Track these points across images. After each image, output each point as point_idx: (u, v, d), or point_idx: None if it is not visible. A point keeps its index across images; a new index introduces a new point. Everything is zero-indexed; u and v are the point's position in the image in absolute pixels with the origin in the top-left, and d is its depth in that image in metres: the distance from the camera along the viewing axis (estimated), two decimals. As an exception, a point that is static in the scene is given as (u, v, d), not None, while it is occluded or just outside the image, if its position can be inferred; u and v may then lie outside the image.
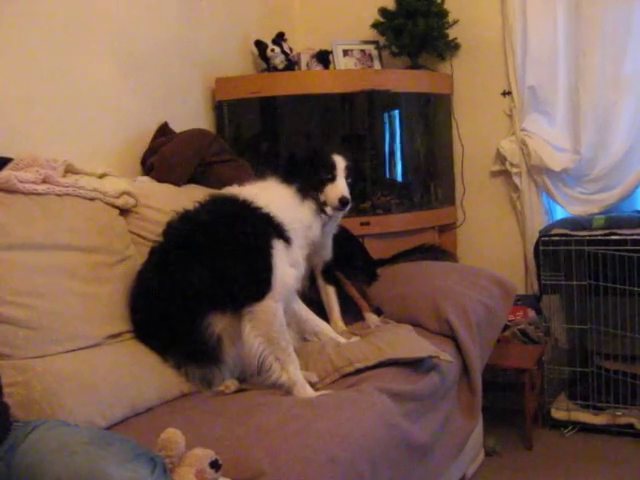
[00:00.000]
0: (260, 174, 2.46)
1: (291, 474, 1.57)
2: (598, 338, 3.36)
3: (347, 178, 2.40)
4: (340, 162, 2.41)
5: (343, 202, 2.36)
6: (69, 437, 1.40)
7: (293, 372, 2.10)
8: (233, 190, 2.35)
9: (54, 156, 2.35)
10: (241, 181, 2.42)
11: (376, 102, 3.57)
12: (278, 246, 2.20)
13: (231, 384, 2.13)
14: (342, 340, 2.45)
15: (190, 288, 2.14)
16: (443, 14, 3.75)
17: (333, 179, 2.39)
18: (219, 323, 2.15)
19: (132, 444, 1.42)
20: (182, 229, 2.27)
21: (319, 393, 2.08)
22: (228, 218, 2.24)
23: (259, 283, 2.14)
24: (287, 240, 2.24)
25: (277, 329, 2.12)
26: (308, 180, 2.35)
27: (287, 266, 2.22)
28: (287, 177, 2.35)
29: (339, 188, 2.37)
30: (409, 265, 3.13)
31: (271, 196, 2.29)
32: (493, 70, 3.83)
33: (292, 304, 2.38)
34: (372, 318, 2.73)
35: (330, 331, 2.50)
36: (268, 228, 2.22)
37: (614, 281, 3.17)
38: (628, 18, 3.46)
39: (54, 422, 1.50)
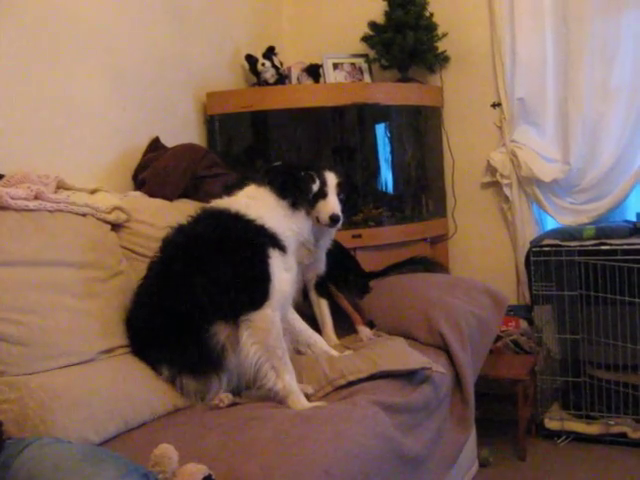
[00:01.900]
0: (247, 180, 2.42)
1: (285, 488, 1.57)
2: (590, 348, 3.37)
3: (339, 194, 2.42)
4: (332, 178, 2.43)
5: (333, 219, 2.38)
6: (62, 455, 1.40)
7: (289, 381, 2.11)
8: (223, 203, 2.35)
9: (45, 172, 2.36)
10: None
11: (366, 115, 3.59)
12: (274, 255, 2.22)
13: (225, 397, 2.12)
14: (335, 353, 2.46)
15: (194, 300, 2.15)
16: (432, 27, 3.77)
17: (324, 195, 2.41)
18: (224, 332, 2.16)
19: (125, 460, 1.42)
20: (180, 243, 2.28)
21: (313, 404, 2.08)
22: (224, 231, 2.24)
23: (257, 292, 2.16)
24: (282, 248, 2.26)
25: (274, 337, 2.14)
26: (300, 195, 2.36)
27: (284, 273, 2.24)
28: (281, 191, 2.33)
29: (330, 205, 2.40)
30: (401, 277, 3.13)
31: (263, 208, 2.30)
32: (483, 82, 3.85)
33: (287, 313, 2.39)
34: (365, 331, 2.73)
35: (323, 344, 2.50)
36: (264, 239, 2.23)
37: (605, 291, 3.18)
38: (616, 30, 3.49)
39: (47, 439, 1.50)
